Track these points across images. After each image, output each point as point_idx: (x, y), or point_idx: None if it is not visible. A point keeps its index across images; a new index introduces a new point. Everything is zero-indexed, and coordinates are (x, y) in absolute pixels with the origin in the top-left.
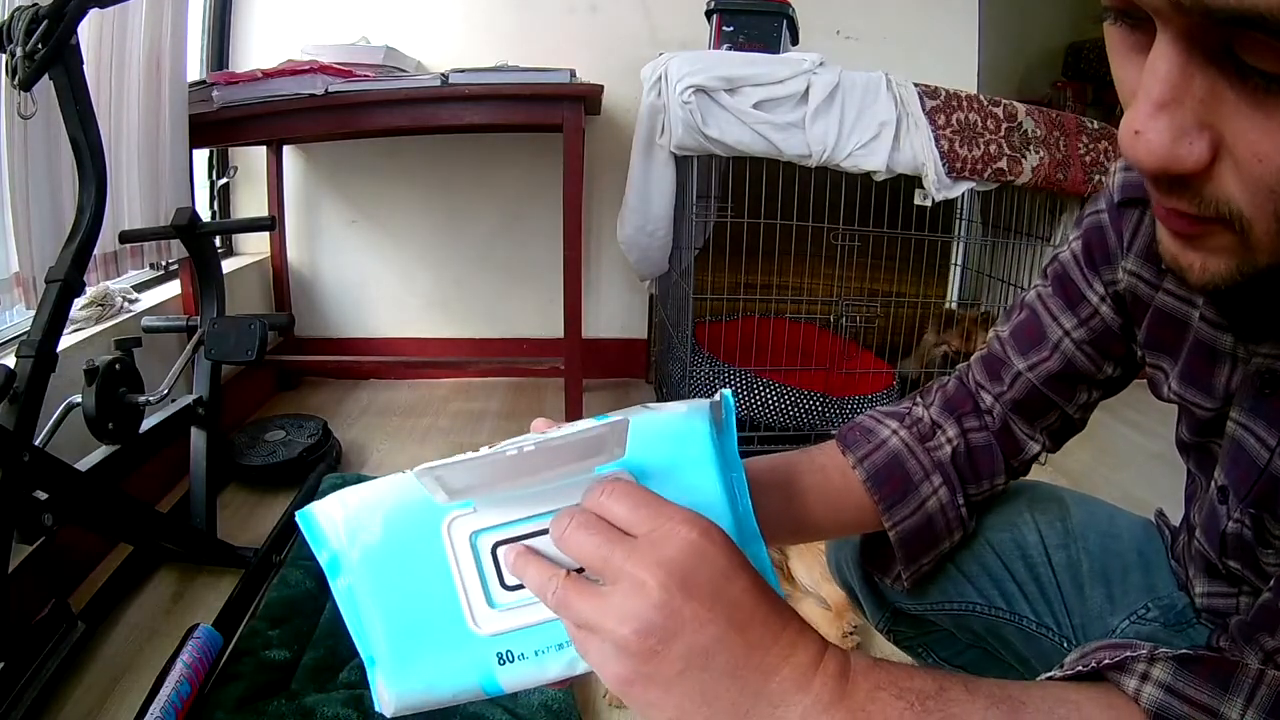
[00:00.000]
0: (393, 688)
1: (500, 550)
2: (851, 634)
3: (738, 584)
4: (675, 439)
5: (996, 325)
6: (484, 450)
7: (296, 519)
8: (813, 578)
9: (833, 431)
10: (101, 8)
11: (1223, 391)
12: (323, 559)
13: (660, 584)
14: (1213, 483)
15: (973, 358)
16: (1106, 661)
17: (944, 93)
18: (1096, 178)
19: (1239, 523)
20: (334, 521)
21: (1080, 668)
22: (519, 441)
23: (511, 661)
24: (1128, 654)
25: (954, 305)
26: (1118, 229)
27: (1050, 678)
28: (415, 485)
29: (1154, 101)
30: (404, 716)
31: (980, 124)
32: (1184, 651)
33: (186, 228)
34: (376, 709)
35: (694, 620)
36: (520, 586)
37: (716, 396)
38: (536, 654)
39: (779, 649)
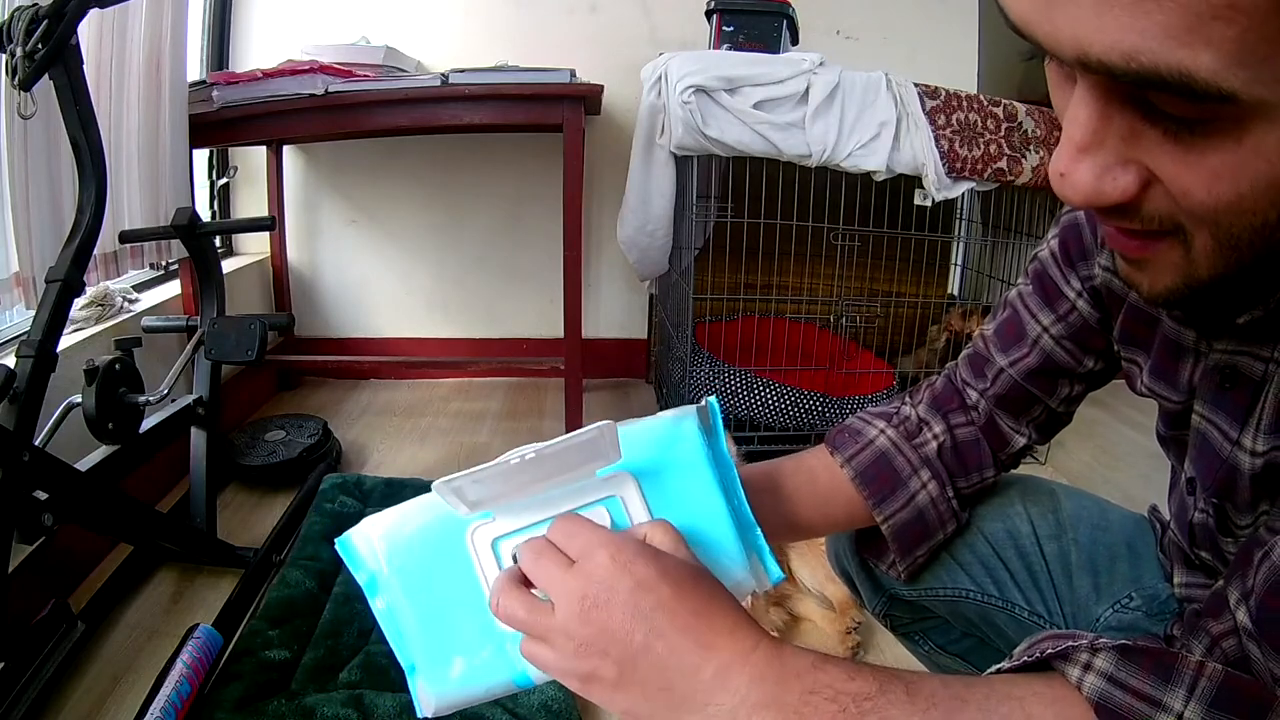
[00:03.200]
0: (433, 688)
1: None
2: (853, 631)
3: (653, 596)
4: (667, 441)
5: (983, 324)
6: (493, 462)
7: (335, 546)
8: (816, 579)
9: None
10: (101, 8)
11: (1186, 385)
12: (361, 580)
13: (586, 609)
14: (1182, 474)
15: (960, 356)
16: (1050, 651)
17: (944, 93)
18: None
19: (1204, 513)
20: (369, 543)
21: (1026, 658)
22: (520, 451)
23: None
24: (1069, 644)
25: (954, 294)
26: (1093, 225)
27: (999, 669)
28: (440, 503)
29: (1076, 145)
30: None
31: (980, 124)
32: (1124, 642)
33: (186, 228)
34: (419, 714)
35: (618, 633)
36: None
37: (702, 403)
38: None
39: (700, 650)
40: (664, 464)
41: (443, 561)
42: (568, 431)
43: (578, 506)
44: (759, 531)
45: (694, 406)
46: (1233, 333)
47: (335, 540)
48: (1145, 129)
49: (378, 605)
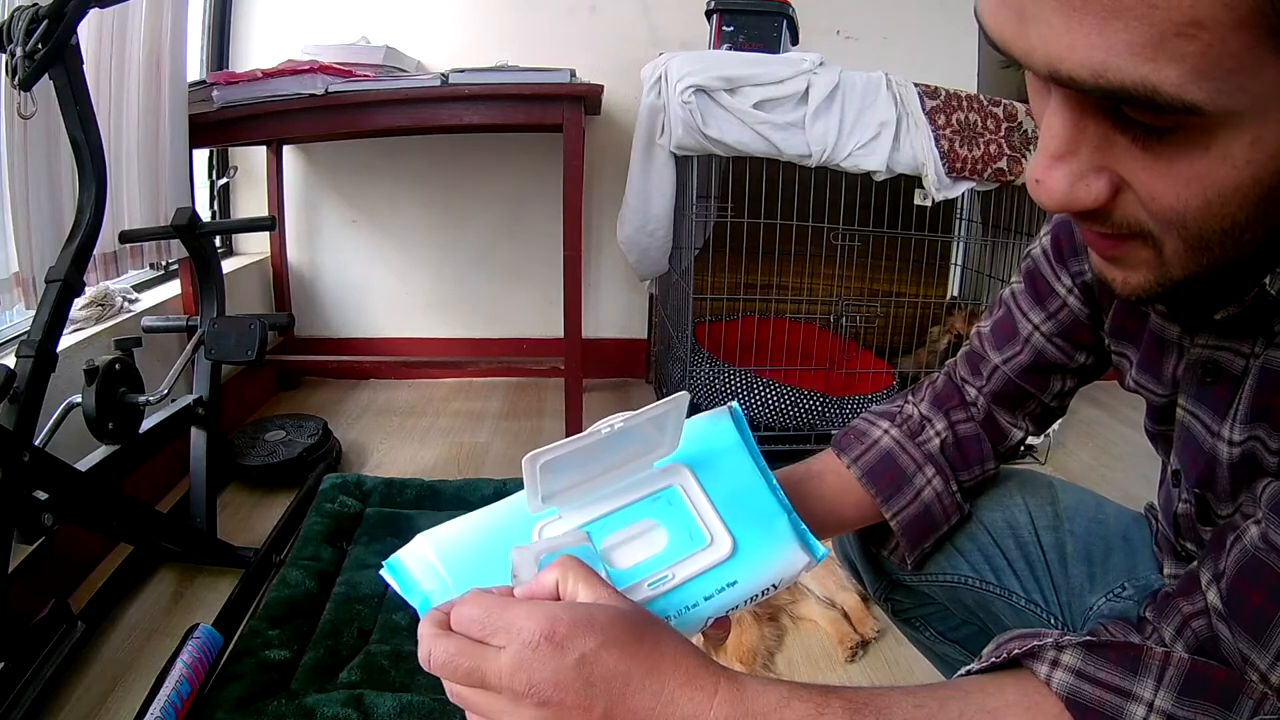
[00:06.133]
0: None
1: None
2: (856, 646)
3: (600, 667)
4: (708, 437)
5: (979, 322)
6: (579, 434)
7: (384, 571)
8: (827, 589)
9: (833, 431)
10: (101, 8)
11: (1170, 380)
12: (414, 602)
13: (535, 698)
14: (1168, 468)
15: (958, 354)
16: (1017, 651)
17: (944, 93)
18: None
19: (1187, 503)
20: (423, 561)
21: (995, 659)
22: (609, 420)
23: None
24: (1035, 643)
25: (955, 294)
26: None
27: (969, 671)
28: (495, 512)
29: (1050, 154)
30: None
31: (980, 124)
32: (1089, 638)
33: (186, 228)
34: None
35: (576, 710)
36: (621, 570)
37: (729, 406)
38: None
39: (661, 708)
40: (708, 457)
41: (506, 567)
42: (569, 433)
43: (641, 498)
44: (795, 513)
45: (724, 408)
46: (1212, 328)
47: (383, 564)
48: (1117, 137)
49: None
